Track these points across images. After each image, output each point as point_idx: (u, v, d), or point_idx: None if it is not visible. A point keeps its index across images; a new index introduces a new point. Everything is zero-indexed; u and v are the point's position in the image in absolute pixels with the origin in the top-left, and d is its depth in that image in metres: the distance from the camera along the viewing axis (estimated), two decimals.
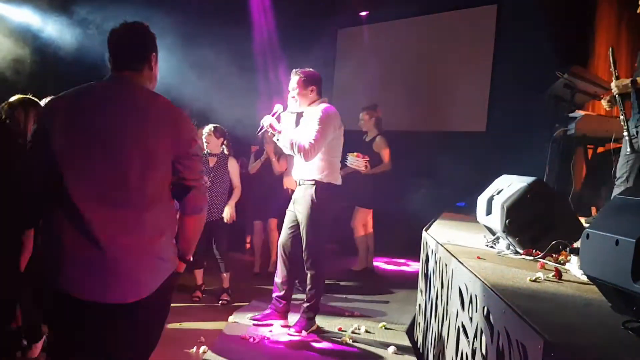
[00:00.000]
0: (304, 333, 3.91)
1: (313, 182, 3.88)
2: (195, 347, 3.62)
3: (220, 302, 4.83)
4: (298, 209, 3.96)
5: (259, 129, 3.97)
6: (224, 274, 4.95)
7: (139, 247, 1.92)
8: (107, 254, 1.85)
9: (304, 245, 3.95)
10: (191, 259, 2.17)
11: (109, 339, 1.93)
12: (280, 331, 3.99)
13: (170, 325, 4.06)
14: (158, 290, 1.97)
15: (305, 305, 4.02)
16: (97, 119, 1.91)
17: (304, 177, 3.93)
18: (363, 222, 5.65)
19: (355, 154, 5.33)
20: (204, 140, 4.94)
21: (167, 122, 1.98)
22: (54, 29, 6.71)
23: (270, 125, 3.87)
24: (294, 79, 3.95)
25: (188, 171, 2.01)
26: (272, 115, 3.92)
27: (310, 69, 4.01)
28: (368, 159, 5.38)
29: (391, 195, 7.33)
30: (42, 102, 3.67)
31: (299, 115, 4.11)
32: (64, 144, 1.88)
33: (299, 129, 3.98)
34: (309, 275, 4.02)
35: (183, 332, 4.02)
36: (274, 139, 3.94)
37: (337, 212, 4.18)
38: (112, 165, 1.88)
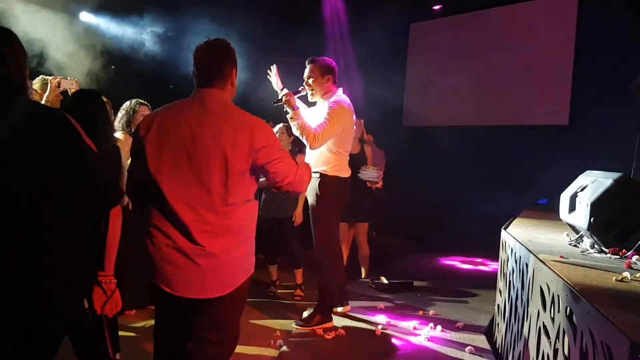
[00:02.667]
0: (307, 326, 3.90)
1: (318, 175, 3.87)
2: (271, 342, 3.71)
3: (294, 297, 4.93)
4: (308, 201, 4.00)
5: (275, 101, 3.83)
6: (297, 270, 5.04)
7: (222, 252, 2.14)
8: (193, 256, 2.10)
9: (313, 238, 3.97)
10: None
11: (195, 327, 2.20)
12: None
13: (246, 320, 4.20)
14: (236, 289, 2.20)
15: (317, 300, 4.01)
16: (183, 132, 2.12)
17: (312, 169, 3.91)
18: (365, 236, 5.45)
19: (370, 167, 5.13)
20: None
21: (244, 133, 2.13)
22: (134, 38, 7.09)
23: (288, 101, 3.73)
24: (310, 67, 3.90)
25: (276, 176, 2.24)
26: (295, 94, 3.81)
27: (327, 58, 3.96)
28: (380, 168, 5.20)
29: (467, 193, 7.21)
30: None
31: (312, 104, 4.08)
32: (155, 154, 2.13)
33: (312, 117, 3.88)
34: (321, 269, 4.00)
35: (259, 327, 4.13)
36: (288, 116, 3.79)
37: (345, 203, 4.03)
38: (196, 175, 2.10)
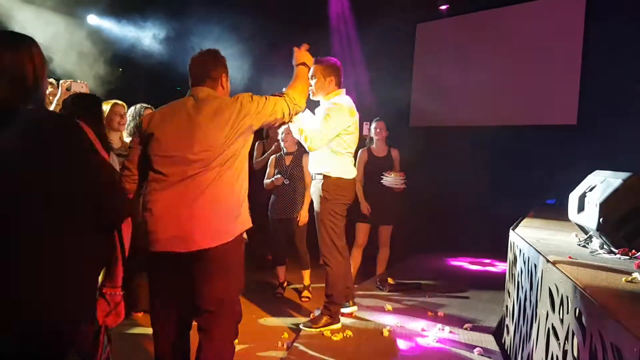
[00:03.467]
0: (314, 327, 3.90)
1: (322, 177, 3.88)
2: (279, 342, 3.72)
3: (302, 298, 4.93)
4: (313, 203, 4.03)
5: None
6: (305, 271, 5.04)
7: (209, 210, 2.43)
8: (184, 215, 2.41)
9: (318, 240, 4.00)
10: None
11: (189, 290, 2.49)
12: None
13: (254, 320, 4.21)
14: (224, 246, 2.45)
15: (324, 301, 4.00)
16: (182, 117, 2.54)
17: (316, 170, 3.96)
18: (387, 238, 5.45)
19: (394, 173, 5.19)
20: (282, 139, 5.03)
21: (222, 111, 2.54)
22: (143, 41, 7.13)
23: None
24: (313, 68, 3.78)
25: (272, 121, 2.76)
26: None
27: (331, 58, 3.95)
28: (405, 177, 5.24)
29: (475, 193, 7.18)
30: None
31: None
32: (157, 141, 2.51)
33: (314, 120, 3.84)
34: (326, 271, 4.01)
35: (267, 327, 4.14)
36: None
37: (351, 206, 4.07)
38: (185, 149, 2.46)
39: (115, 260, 1.92)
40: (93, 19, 7.01)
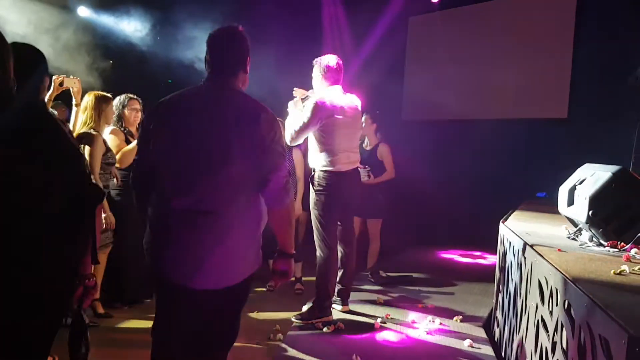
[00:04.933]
0: (306, 320, 3.94)
1: (314, 171, 4.04)
2: (270, 335, 3.72)
3: (295, 291, 4.94)
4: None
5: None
6: (297, 264, 5.04)
7: (222, 245, 2.06)
8: (193, 249, 2.04)
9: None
10: (292, 252, 2.32)
11: (200, 317, 2.14)
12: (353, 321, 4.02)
13: (246, 314, 4.21)
14: (239, 283, 2.14)
15: (316, 294, 4.05)
16: (191, 119, 2.08)
17: (311, 165, 4.14)
18: (376, 232, 5.46)
19: (359, 166, 5.16)
20: None
21: (249, 121, 2.06)
22: (134, 30, 7.07)
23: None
24: (314, 68, 4.08)
25: (266, 164, 2.08)
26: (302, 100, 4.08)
27: (326, 57, 4.06)
28: (369, 168, 5.20)
29: (466, 186, 7.21)
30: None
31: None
32: (161, 142, 2.08)
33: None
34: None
35: (259, 321, 4.15)
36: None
37: (345, 198, 4.08)
38: (198, 163, 2.04)
39: (88, 247, 1.98)
40: (83, 11, 6.93)
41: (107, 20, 7.05)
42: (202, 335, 2.18)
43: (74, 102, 3.87)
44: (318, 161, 4.02)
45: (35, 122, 1.78)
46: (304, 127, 3.89)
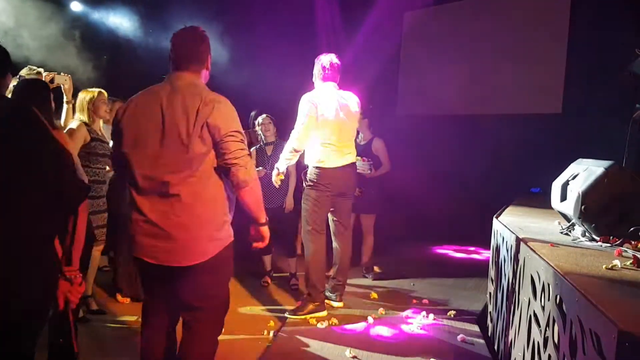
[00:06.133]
0: (299, 315, 3.98)
1: (307, 167, 4.11)
2: (264, 331, 3.72)
3: (291, 287, 4.93)
4: None
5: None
6: (292, 259, 5.04)
7: (193, 223, 2.25)
8: (166, 228, 2.23)
9: None
10: (264, 221, 2.51)
11: (180, 294, 2.35)
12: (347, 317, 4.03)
13: (240, 309, 4.21)
14: (216, 257, 2.30)
15: (307, 289, 4.11)
16: (155, 112, 2.24)
17: (305, 161, 4.21)
18: (370, 227, 5.45)
19: (359, 158, 5.12)
20: (263, 129, 4.98)
21: (207, 109, 2.22)
22: (128, 27, 7.03)
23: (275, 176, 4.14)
24: (314, 66, 4.18)
25: (224, 152, 2.25)
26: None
27: (326, 57, 4.11)
28: (372, 162, 5.20)
29: (460, 181, 7.22)
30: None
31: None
32: (130, 135, 2.27)
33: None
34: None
35: (253, 316, 4.14)
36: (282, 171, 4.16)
37: (335, 194, 4.11)
38: (167, 151, 2.21)
39: (71, 243, 2.00)
40: (76, 6, 6.89)
41: (99, 16, 7.00)
42: (188, 310, 2.38)
43: (64, 99, 3.84)
44: (311, 157, 4.08)
45: (17, 120, 1.77)
46: (300, 126, 3.97)
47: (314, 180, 4.03)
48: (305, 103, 3.97)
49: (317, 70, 4.14)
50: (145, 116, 2.26)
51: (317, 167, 4.03)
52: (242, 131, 2.34)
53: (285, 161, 4.11)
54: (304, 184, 4.12)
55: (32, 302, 1.77)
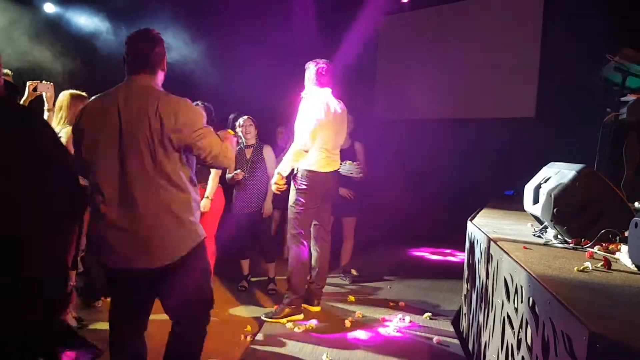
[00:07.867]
0: (276, 318, 3.98)
1: (296, 170, 4.05)
2: (242, 335, 3.70)
3: (269, 291, 4.91)
4: None
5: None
6: (270, 264, 5.01)
7: (158, 224, 2.25)
8: (132, 231, 2.23)
9: None
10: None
11: (159, 295, 2.40)
12: (323, 321, 4.03)
13: (217, 314, 4.17)
14: (187, 255, 2.33)
15: (286, 292, 4.11)
16: (112, 116, 2.25)
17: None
18: (350, 230, 5.47)
19: (349, 162, 5.12)
20: (244, 132, 4.91)
21: (166, 111, 2.24)
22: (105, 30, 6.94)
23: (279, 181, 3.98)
24: (306, 71, 4.15)
25: (200, 152, 2.33)
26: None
27: (315, 61, 4.11)
28: (361, 165, 5.22)
29: (436, 185, 7.27)
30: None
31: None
32: (89, 139, 2.27)
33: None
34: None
35: (230, 321, 4.12)
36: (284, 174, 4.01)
37: (322, 198, 4.11)
38: (126, 153, 2.22)
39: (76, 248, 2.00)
40: (50, 7, 6.76)
41: (73, 17, 6.88)
42: (168, 310, 2.42)
43: (45, 107, 3.78)
44: (302, 160, 3.99)
45: (21, 122, 1.76)
46: (312, 125, 3.88)
47: (305, 185, 3.98)
48: (317, 104, 3.93)
49: (312, 75, 4.08)
50: (102, 120, 2.26)
51: (309, 171, 3.98)
52: (207, 125, 2.39)
53: (290, 164, 3.94)
54: (292, 187, 4.05)
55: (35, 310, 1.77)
